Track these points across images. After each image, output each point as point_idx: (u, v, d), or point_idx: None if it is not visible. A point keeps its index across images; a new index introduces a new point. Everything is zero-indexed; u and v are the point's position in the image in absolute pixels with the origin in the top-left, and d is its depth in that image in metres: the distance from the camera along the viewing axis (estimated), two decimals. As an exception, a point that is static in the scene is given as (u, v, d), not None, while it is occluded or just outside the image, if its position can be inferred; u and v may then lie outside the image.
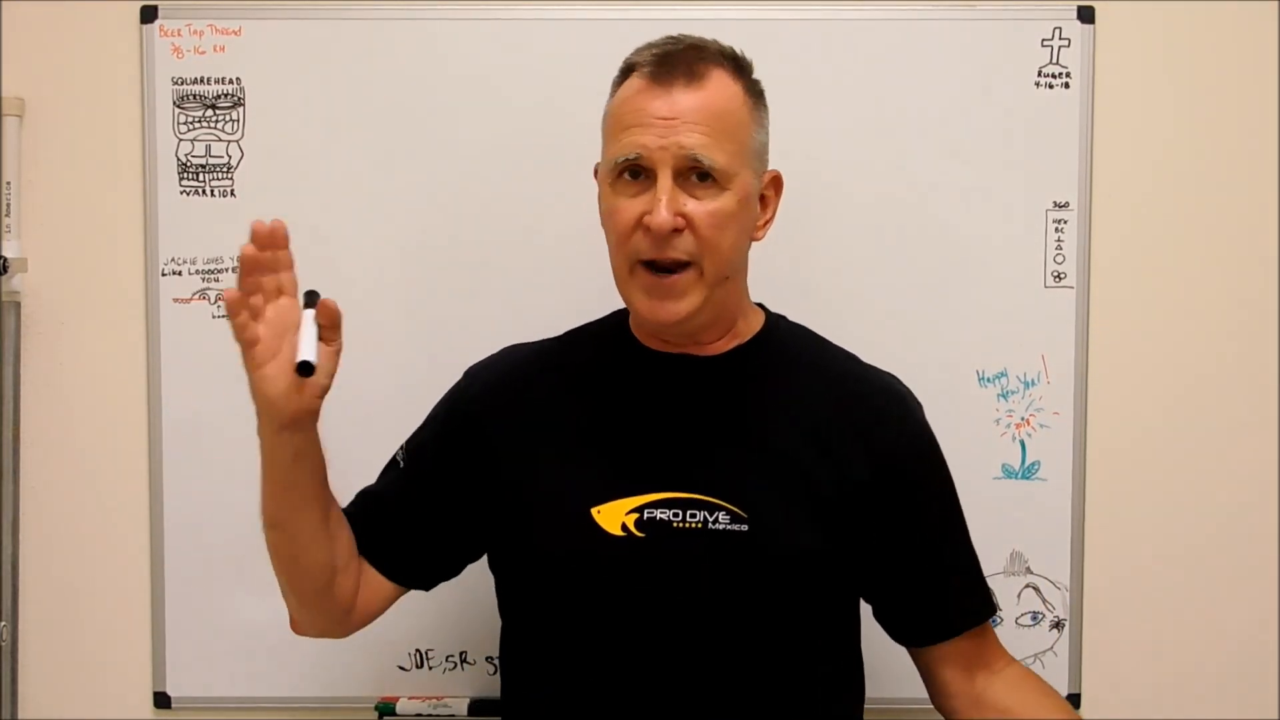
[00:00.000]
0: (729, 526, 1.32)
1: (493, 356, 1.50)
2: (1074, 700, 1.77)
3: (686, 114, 1.30)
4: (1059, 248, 1.74)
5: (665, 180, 1.29)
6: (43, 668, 1.79)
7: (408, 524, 1.43)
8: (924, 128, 1.73)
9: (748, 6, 1.72)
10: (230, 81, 1.73)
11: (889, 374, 1.47)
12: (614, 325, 1.46)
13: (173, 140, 1.73)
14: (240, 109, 1.73)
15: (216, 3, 1.73)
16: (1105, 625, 1.78)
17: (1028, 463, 1.75)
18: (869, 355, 1.70)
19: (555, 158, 1.71)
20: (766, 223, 1.40)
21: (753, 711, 1.34)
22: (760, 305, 1.47)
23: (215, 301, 1.74)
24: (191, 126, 1.73)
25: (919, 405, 1.46)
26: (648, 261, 1.31)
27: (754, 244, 1.39)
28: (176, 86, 1.73)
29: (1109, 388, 1.76)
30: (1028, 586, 1.76)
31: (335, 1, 1.73)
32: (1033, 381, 1.75)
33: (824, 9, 1.73)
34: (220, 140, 1.73)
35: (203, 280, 1.74)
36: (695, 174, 1.30)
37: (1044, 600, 1.76)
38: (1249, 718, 1.78)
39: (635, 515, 1.33)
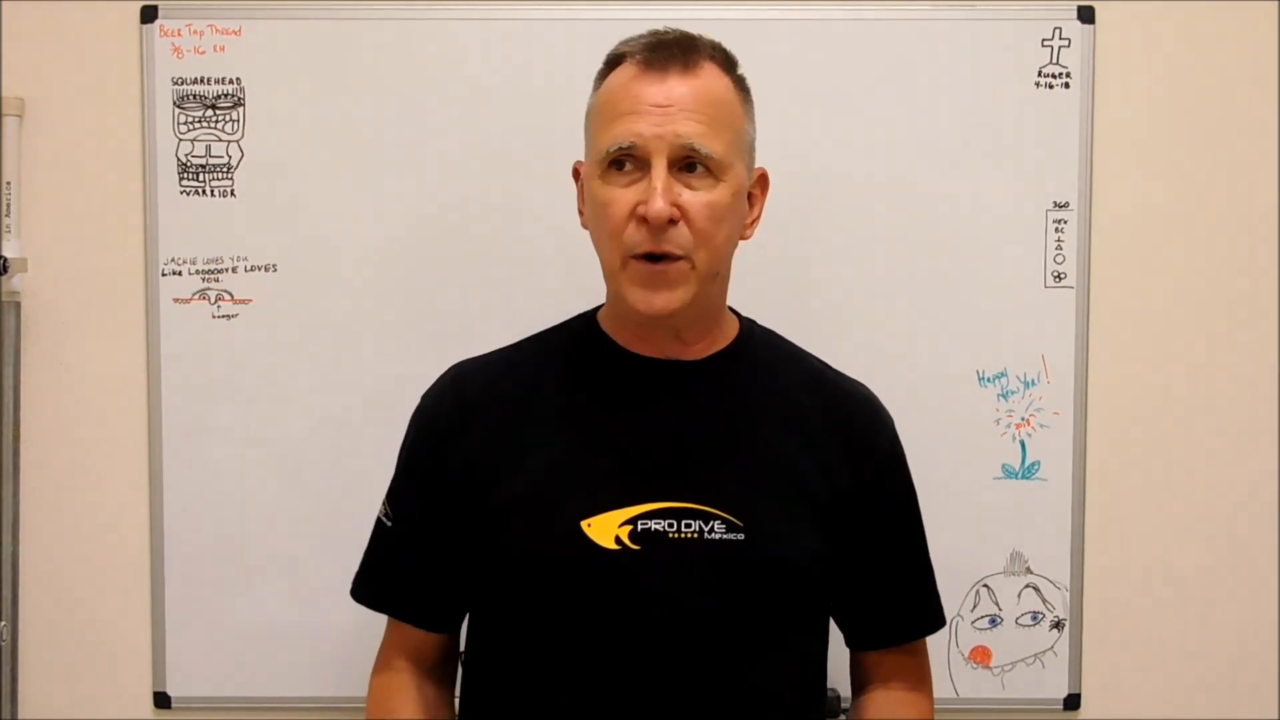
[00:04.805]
0: (725, 535, 1.29)
1: (445, 376, 1.43)
2: (1074, 700, 1.77)
3: (682, 101, 1.27)
4: (1059, 248, 1.74)
5: (660, 169, 1.25)
6: (43, 668, 1.79)
7: (429, 575, 1.38)
8: (924, 128, 1.72)
9: (748, 6, 1.72)
10: (230, 81, 1.73)
11: (860, 382, 1.45)
12: (584, 329, 1.41)
13: (173, 140, 1.73)
14: (240, 109, 1.73)
15: (216, 3, 1.73)
16: (1105, 625, 1.78)
17: (1028, 463, 1.75)
18: (870, 356, 1.72)
19: (558, 157, 1.70)
20: (754, 221, 1.37)
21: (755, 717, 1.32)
22: (731, 309, 1.43)
23: (215, 301, 1.74)
24: (191, 126, 1.73)
25: (889, 416, 1.45)
26: (642, 254, 1.27)
27: (742, 243, 1.36)
28: (176, 86, 1.73)
29: (1109, 388, 1.76)
30: (1028, 586, 1.76)
31: (335, 1, 1.73)
32: (1033, 381, 1.74)
33: (824, 9, 1.73)
34: (220, 140, 1.73)
35: (203, 280, 1.74)
36: (688, 164, 1.27)
37: (1044, 600, 1.76)
38: (1249, 718, 1.78)
39: (629, 527, 1.29)
